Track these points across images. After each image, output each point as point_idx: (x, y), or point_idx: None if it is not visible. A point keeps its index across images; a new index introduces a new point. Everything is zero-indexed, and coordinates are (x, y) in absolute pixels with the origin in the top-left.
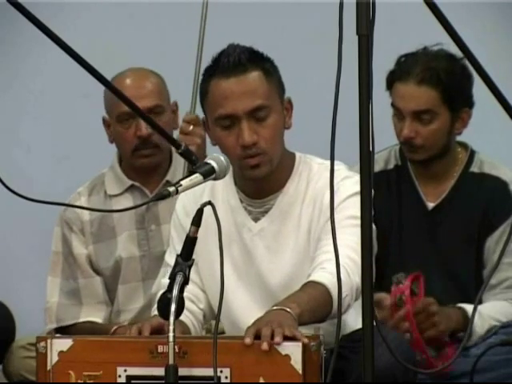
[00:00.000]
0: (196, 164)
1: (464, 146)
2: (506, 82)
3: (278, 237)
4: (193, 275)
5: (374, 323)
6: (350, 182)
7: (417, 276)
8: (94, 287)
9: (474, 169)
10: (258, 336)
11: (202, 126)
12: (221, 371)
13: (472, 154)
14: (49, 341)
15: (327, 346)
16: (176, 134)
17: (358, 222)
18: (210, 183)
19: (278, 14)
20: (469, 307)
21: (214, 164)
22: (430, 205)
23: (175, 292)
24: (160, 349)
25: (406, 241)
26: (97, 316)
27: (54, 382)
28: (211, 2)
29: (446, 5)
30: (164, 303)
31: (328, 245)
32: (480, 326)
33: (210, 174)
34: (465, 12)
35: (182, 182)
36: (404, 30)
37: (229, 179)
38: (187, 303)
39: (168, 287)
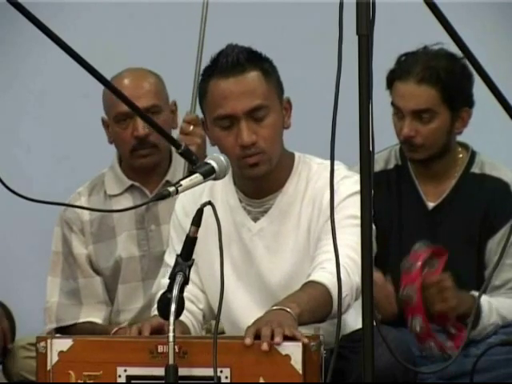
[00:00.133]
0: (196, 164)
1: (465, 146)
2: (506, 82)
3: (278, 237)
4: (192, 275)
5: (374, 323)
6: (349, 182)
7: (440, 252)
8: (93, 287)
9: (475, 169)
10: (257, 336)
11: (202, 126)
12: (221, 371)
13: (473, 154)
14: (49, 341)
15: (327, 346)
16: (175, 134)
17: (358, 221)
18: (209, 183)
19: (278, 14)
20: (482, 297)
21: (214, 164)
22: (431, 205)
23: (175, 292)
24: (160, 349)
25: (406, 241)
26: (97, 316)
27: (54, 382)
28: (211, 2)
29: (445, 5)
30: (164, 303)
31: (328, 244)
32: (488, 316)
33: (210, 173)
34: (465, 12)
35: (182, 182)
36: (404, 30)
37: (228, 179)
38: (187, 303)
39: (168, 287)
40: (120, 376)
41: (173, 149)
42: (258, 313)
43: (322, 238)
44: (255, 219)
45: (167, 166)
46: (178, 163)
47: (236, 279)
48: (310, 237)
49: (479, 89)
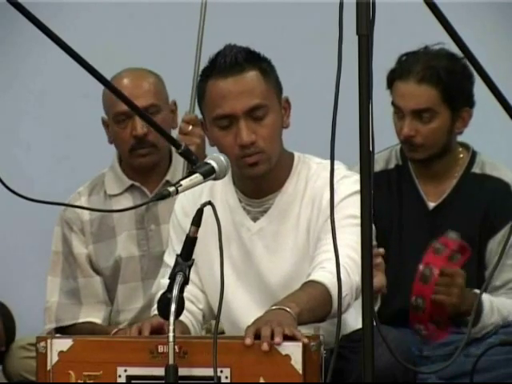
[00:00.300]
0: (196, 164)
1: (465, 146)
2: (506, 82)
3: (277, 236)
4: (192, 275)
5: (374, 323)
6: (348, 181)
7: (465, 249)
8: (93, 287)
9: (476, 170)
10: (257, 336)
11: (201, 127)
12: (221, 371)
13: (474, 154)
14: (49, 341)
15: (327, 346)
16: (175, 134)
17: (357, 221)
18: (208, 183)
19: (277, 14)
20: (484, 296)
21: (214, 164)
22: (431, 204)
23: (175, 292)
24: (160, 349)
25: (406, 241)
26: (96, 316)
27: (54, 382)
28: (210, 2)
29: (446, 5)
30: (164, 303)
31: (327, 244)
32: (489, 316)
33: (210, 173)
34: (465, 12)
35: (181, 182)
36: (404, 30)
37: (227, 179)
38: (187, 303)
39: (168, 287)
40: (120, 376)
41: (173, 148)
42: (257, 312)
43: (321, 238)
44: (255, 219)
45: (167, 166)
46: (178, 163)
47: (236, 279)
48: (309, 236)
49: (479, 89)
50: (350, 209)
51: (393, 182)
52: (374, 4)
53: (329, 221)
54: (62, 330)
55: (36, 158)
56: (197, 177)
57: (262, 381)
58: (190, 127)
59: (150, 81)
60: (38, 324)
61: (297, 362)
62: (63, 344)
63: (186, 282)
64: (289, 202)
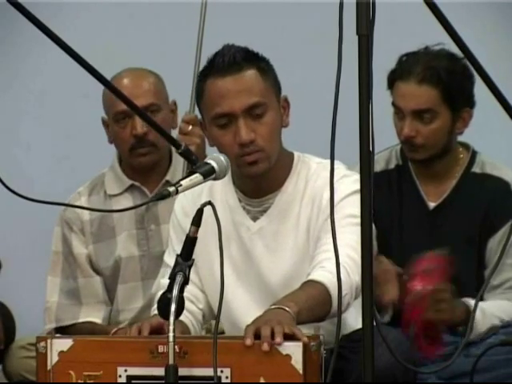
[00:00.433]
0: (196, 164)
1: (465, 146)
2: (506, 82)
3: (277, 236)
4: (192, 275)
5: (374, 323)
6: (348, 181)
7: (444, 259)
8: (93, 287)
9: (476, 169)
10: (257, 336)
11: (200, 127)
12: (221, 371)
13: (474, 154)
14: (49, 341)
15: (327, 346)
16: (175, 134)
17: (357, 220)
18: (208, 183)
19: (277, 14)
20: (472, 303)
21: (214, 164)
22: (431, 204)
23: (175, 292)
24: (160, 349)
25: (407, 240)
26: (96, 316)
27: (54, 382)
28: (210, 2)
29: (445, 5)
30: (164, 303)
31: (327, 244)
32: (482, 323)
33: (210, 173)
34: (465, 12)
35: (181, 182)
36: (404, 30)
37: (227, 179)
38: (187, 303)
39: (168, 287)
40: (120, 376)
41: (173, 148)
42: (257, 312)
43: (321, 237)
44: (254, 218)
45: (167, 166)
46: (178, 163)
47: (236, 279)
48: (309, 236)
49: (480, 89)
50: (350, 208)
51: (393, 182)
52: (373, 4)
53: (329, 220)
54: (62, 330)
55: (36, 158)
56: (197, 177)
57: (262, 381)
58: (190, 127)
59: (149, 80)
60: (38, 324)
61: (297, 361)
62: (63, 344)
63: (186, 281)
64: (289, 201)
